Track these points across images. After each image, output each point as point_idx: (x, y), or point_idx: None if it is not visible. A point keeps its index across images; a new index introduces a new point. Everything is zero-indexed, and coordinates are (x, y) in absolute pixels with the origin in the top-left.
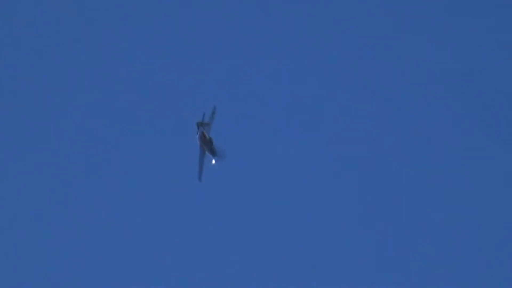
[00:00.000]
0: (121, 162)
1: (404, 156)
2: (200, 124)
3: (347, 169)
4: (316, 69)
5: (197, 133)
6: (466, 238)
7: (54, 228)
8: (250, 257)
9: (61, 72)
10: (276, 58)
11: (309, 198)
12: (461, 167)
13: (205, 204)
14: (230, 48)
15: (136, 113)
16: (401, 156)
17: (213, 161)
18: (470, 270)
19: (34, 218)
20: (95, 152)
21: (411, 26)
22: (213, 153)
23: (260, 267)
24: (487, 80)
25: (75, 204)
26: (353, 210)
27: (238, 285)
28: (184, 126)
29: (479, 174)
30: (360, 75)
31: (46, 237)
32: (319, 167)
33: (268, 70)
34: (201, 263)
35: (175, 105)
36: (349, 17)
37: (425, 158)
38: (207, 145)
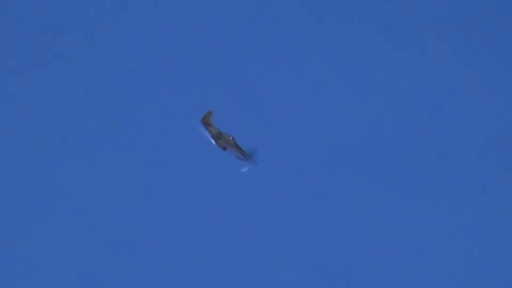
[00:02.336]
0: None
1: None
2: (206, 121)
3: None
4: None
5: (211, 137)
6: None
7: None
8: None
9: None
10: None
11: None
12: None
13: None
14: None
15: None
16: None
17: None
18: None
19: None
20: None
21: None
22: (242, 155)
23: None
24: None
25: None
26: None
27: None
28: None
29: None
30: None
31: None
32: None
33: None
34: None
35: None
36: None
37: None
38: (231, 145)
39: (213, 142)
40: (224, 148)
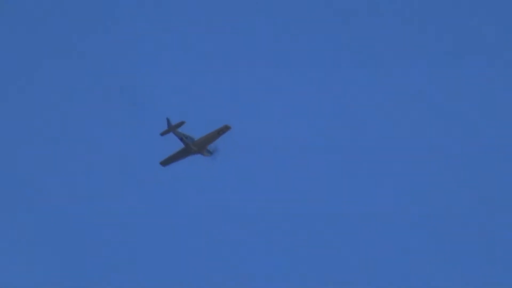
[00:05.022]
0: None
1: None
2: (172, 127)
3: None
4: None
5: (180, 140)
6: None
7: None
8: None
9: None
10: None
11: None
12: None
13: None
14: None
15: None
16: None
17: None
18: None
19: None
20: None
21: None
22: (208, 151)
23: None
24: None
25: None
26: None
27: None
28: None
29: None
30: None
31: None
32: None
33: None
34: None
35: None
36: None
37: None
38: (197, 144)
39: (183, 144)
40: (194, 147)
